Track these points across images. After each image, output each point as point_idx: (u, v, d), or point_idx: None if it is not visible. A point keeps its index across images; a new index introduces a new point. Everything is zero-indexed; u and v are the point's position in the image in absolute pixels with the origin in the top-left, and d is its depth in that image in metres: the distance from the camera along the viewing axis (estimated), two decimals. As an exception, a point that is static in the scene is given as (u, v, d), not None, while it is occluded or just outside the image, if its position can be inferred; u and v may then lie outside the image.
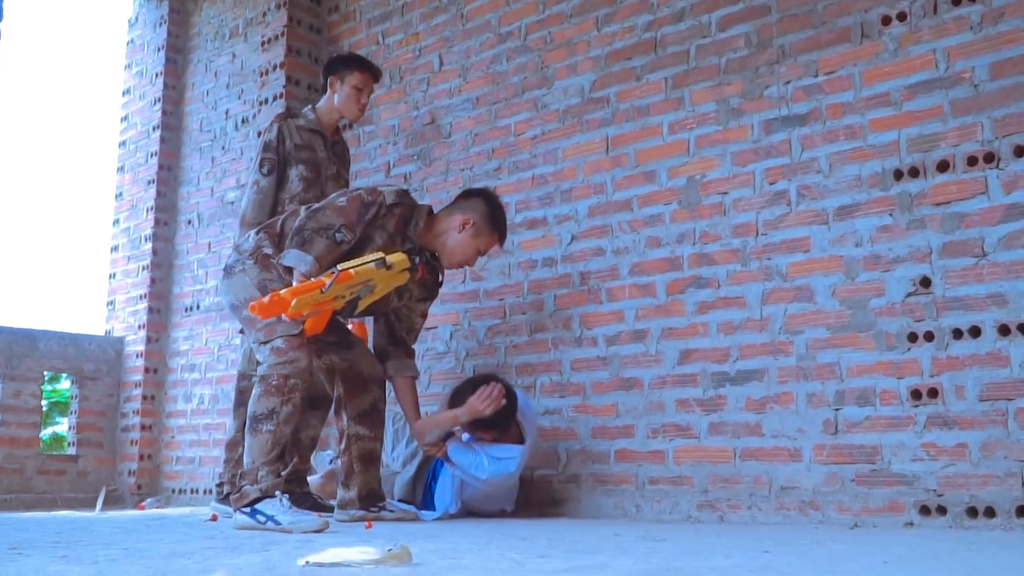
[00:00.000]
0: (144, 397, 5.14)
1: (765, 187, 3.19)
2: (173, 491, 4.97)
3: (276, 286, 2.94)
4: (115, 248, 5.56)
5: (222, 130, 5.20)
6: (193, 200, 5.28)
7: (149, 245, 5.30)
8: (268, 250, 3.07)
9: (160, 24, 5.59)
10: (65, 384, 7.08)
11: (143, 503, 4.65)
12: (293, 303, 2.71)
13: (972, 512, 2.63)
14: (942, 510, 2.68)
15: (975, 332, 2.71)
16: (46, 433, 7.68)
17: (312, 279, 2.85)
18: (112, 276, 5.53)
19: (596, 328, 3.54)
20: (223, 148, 5.16)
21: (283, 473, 2.89)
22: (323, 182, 3.69)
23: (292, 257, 2.95)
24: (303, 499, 3.29)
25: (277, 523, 2.65)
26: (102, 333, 5.44)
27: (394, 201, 3.13)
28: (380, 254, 2.96)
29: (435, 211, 3.32)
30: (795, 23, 3.21)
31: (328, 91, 3.73)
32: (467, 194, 3.38)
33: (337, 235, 2.99)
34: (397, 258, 2.99)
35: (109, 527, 2.79)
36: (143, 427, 5.10)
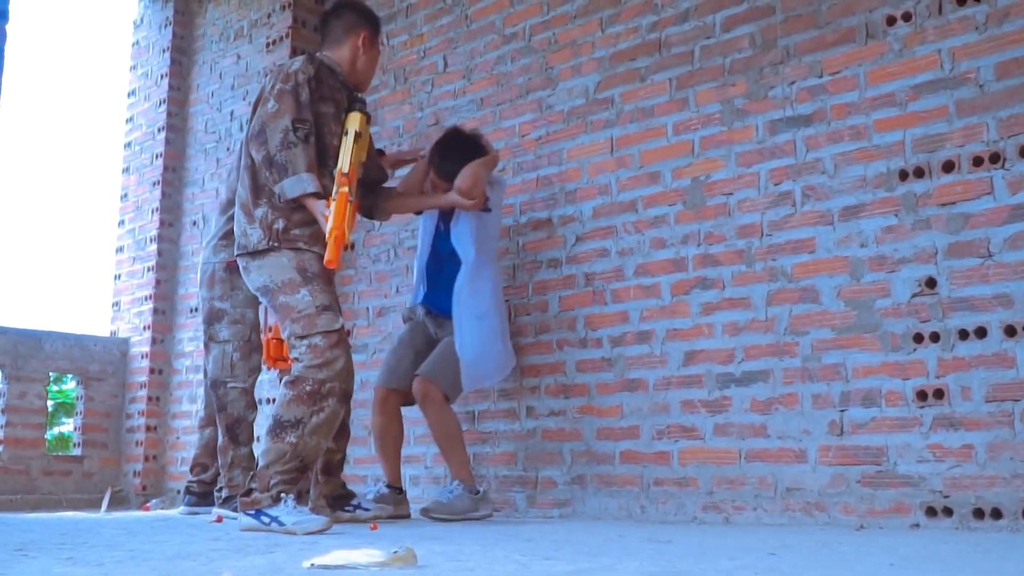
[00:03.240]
0: (149, 398, 5.15)
1: (770, 188, 3.18)
2: (178, 492, 4.97)
3: (313, 261, 2.85)
4: (120, 249, 5.57)
5: (227, 131, 5.20)
6: (198, 201, 5.29)
7: (154, 246, 5.31)
8: (279, 224, 2.88)
9: (165, 26, 5.60)
10: (71, 385, 7.09)
11: (148, 504, 4.66)
12: (346, 229, 2.70)
13: (978, 513, 2.62)
14: (948, 511, 2.67)
15: (981, 333, 2.70)
16: (52, 433, 7.70)
17: (332, 197, 2.77)
18: (117, 277, 5.54)
19: (601, 329, 3.54)
20: (228, 149, 5.17)
21: (299, 486, 2.85)
22: None
23: (290, 187, 2.82)
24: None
25: (281, 524, 2.62)
26: (107, 334, 5.45)
27: (313, 67, 2.99)
28: (351, 129, 2.93)
29: (323, 53, 3.16)
30: (799, 24, 3.21)
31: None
32: (336, 12, 3.21)
33: (298, 134, 2.85)
34: (357, 121, 2.97)
35: (114, 528, 2.79)
36: (148, 428, 5.11)
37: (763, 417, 3.08)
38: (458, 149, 3.47)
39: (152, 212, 5.38)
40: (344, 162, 2.83)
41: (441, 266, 3.56)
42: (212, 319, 3.61)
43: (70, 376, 5.94)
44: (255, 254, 2.90)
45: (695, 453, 3.22)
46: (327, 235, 2.71)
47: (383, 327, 4.29)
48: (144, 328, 5.26)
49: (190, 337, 5.14)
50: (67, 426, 7.63)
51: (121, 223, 5.61)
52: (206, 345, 3.65)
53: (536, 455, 3.64)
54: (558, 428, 3.60)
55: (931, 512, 2.70)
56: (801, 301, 3.07)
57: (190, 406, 5.06)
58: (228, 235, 3.52)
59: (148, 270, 5.32)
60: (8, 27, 3.80)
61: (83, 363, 5.13)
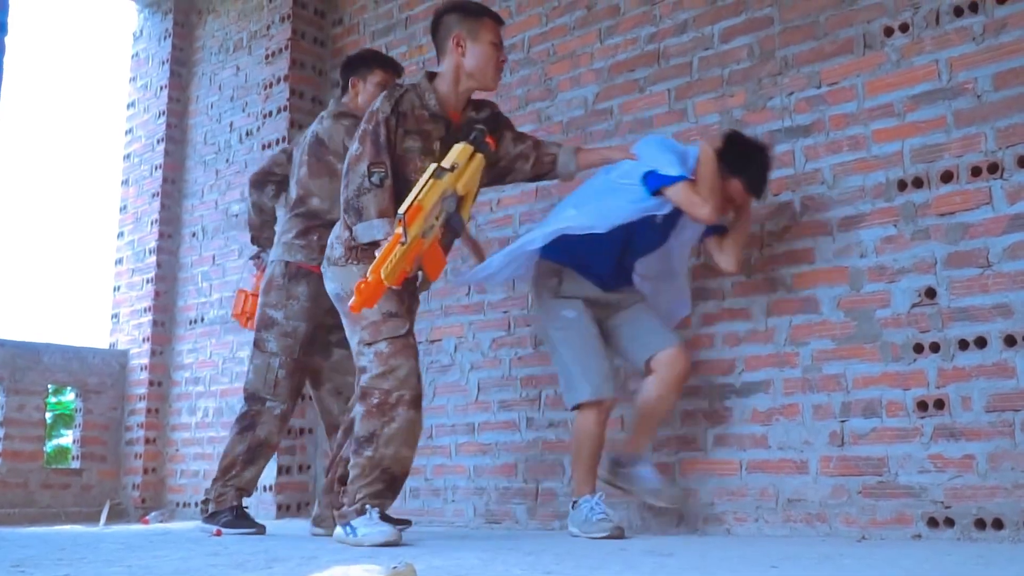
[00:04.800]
0: (148, 410, 5.14)
1: (769, 198, 3.18)
2: (177, 505, 4.96)
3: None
4: (119, 261, 5.57)
5: (226, 143, 5.21)
6: (197, 213, 5.29)
7: (153, 258, 5.31)
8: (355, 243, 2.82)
9: (164, 37, 5.61)
10: (70, 396, 7.08)
11: (147, 517, 4.64)
12: (384, 275, 2.53)
13: (980, 524, 2.61)
14: (950, 522, 2.67)
15: (981, 343, 2.70)
16: (51, 445, 7.68)
17: (388, 240, 2.65)
18: (116, 289, 5.54)
19: (600, 340, 3.53)
20: (227, 161, 5.17)
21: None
22: None
23: (362, 232, 2.76)
24: None
25: (355, 536, 2.62)
26: (106, 346, 5.44)
27: (391, 105, 2.85)
28: (433, 165, 2.69)
29: (433, 69, 2.99)
30: (797, 34, 3.21)
31: (351, 92, 3.51)
32: (435, 25, 2.99)
33: (373, 179, 2.77)
34: (456, 153, 2.75)
35: (113, 543, 2.78)
36: (147, 440, 5.10)
37: (764, 428, 3.07)
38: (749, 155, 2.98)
39: (151, 224, 5.39)
40: (406, 203, 2.61)
41: (621, 253, 3.08)
42: (262, 326, 3.39)
43: (69, 388, 5.93)
44: (333, 262, 2.90)
45: (696, 464, 3.21)
46: (363, 281, 2.59)
47: (382, 338, 4.28)
48: (143, 340, 5.25)
49: (189, 349, 5.14)
50: (66, 438, 7.62)
51: (120, 235, 5.61)
52: (252, 351, 3.43)
53: (536, 467, 3.63)
54: (558, 439, 3.59)
55: (932, 523, 2.70)
56: (801, 311, 3.06)
57: (189, 418, 5.05)
58: (302, 233, 3.39)
59: (147, 282, 5.32)
60: (7, 39, 3.81)
61: (82, 375, 5.13)
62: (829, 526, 2.88)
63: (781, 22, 3.26)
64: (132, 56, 5.86)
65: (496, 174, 3.06)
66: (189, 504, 4.90)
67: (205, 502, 3.39)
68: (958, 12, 2.88)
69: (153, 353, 5.20)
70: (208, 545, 2.70)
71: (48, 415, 6.03)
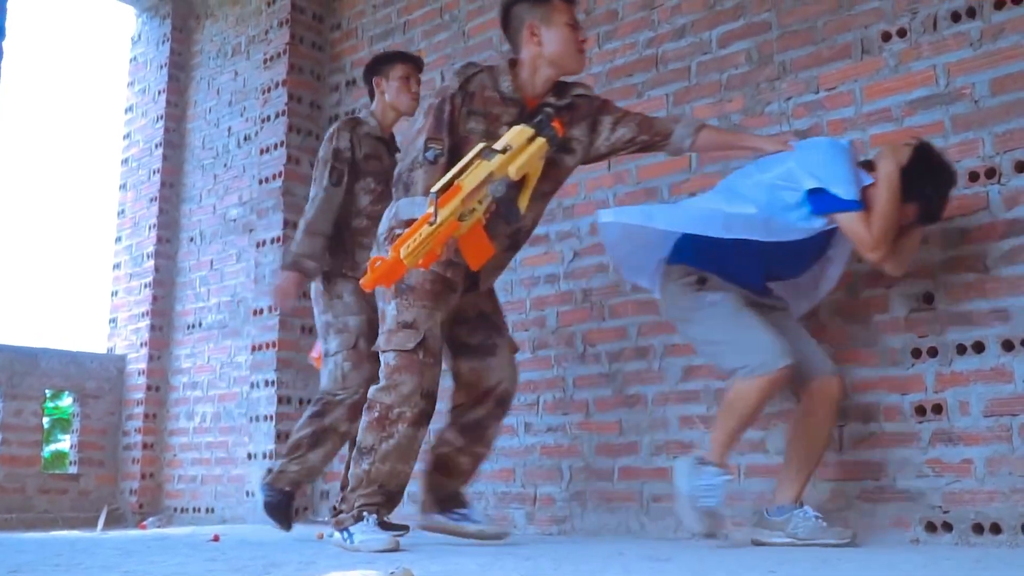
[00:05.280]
0: (146, 415, 5.13)
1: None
2: (175, 510, 4.95)
3: (415, 274, 2.58)
4: (117, 266, 5.57)
5: (224, 147, 5.21)
6: (195, 217, 5.29)
7: (151, 263, 5.31)
8: (395, 233, 2.62)
9: (163, 42, 5.62)
10: (67, 401, 7.07)
11: (145, 522, 4.63)
12: (404, 254, 2.33)
13: (978, 529, 2.61)
14: (948, 527, 2.67)
15: (979, 348, 2.70)
16: (48, 450, 7.68)
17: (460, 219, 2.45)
18: (114, 294, 5.54)
19: (599, 345, 3.53)
20: (225, 165, 5.18)
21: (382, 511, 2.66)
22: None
23: (404, 209, 2.64)
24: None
25: (352, 541, 2.57)
26: (104, 351, 5.44)
27: (460, 83, 2.71)
28: (480, 144, 2.49)
29: (514, 56, 2.80)
30: (795, 39, 3.22)
31: (376, 95, 3.46)
32: (504, 18, 2.82)
33: (427, 154, 2.64)
34: (511, 135, 2.52)
35: (110, 548, 2.77)
36: (145, 445, 5.09)
37: (762, 432, 3.07)
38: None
39: (149, 228, 5.39)
40: (441, 181, 2.42)
41: (771, 263, 2.74)
42: (321, 336, 3.36)
43: (67, 392, 5.92)
44: (378, 239, 2.82)
45: (694, 469, 3.21)
46: (378, 257, 2.43)
47: (380, 343, 4.28)
48: (141, 345, 5.25)
49: (187, 354, 5.13)
50: (63, 443, 7.61)
51: (118, 239, 5.61)
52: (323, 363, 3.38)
53: (534, 471, 3.63)
54: (556, 444, 3.59)
55: (931, 527, 2.69)
56: (799, 317, 3.06)
57: (187, 423, 5.04)
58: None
59: (145, 286, 5.32)
60: (5, 44, 3.81)
61: (79, 380, 5.12)
62: (827, 531, 2.87)
63: (779, 27, 3.26)
64: (130, 60, 5.87)
65: (594, 158, 2.89)
66: (187, 509, 4.90)
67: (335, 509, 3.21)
68: (956, 17, 2.88)
69: (151, 358, 5.20)
70: (206, 550, 2.70)
71: (46, 420, 6.02)
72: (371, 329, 3.21)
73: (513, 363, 2.98)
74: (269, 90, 4.84)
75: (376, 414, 2.64)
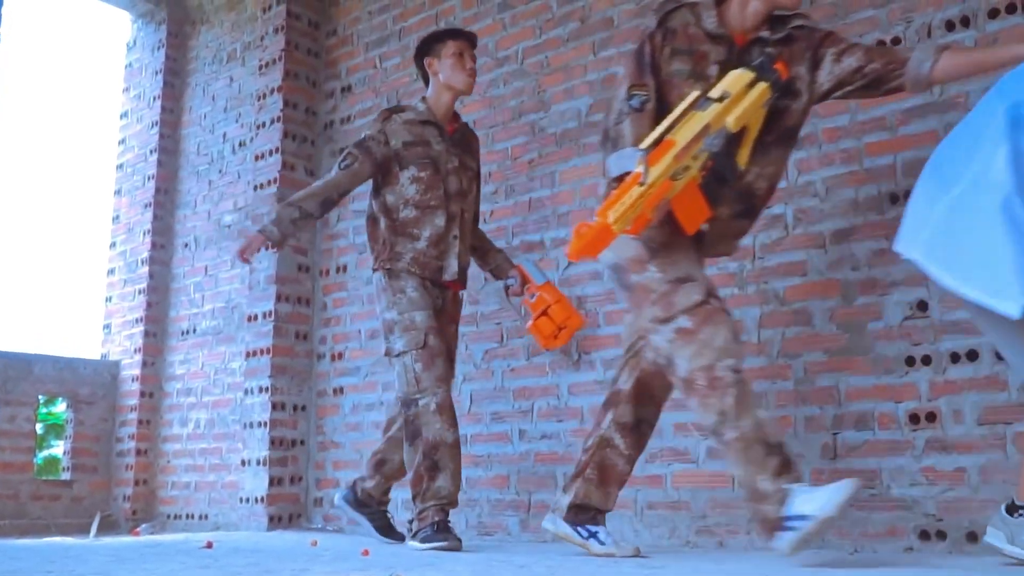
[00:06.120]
0: (139, 421, 5.12)
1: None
2: (168, 516, 4.94)
3: (656, 232, 2.32)
4: (111, 271, 5.56)
5: (219, 153, 5.21)
6: (190, 223, 5.28)
7: (145, 268, 5.30)
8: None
9: (158, 48, 5.62)
10: (61, 407, 7.05)
11: (138, 529, 4.62)
12: (612, 218, 2.10)
13: (972, 537, 2.61)
14: (942, 535, 2.67)
15: (972, 356, 2.71)
16: (41, 456, 7.65)
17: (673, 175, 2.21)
18: (108, 300, 5.53)
19: (594, 352, 3.53)
20: (220, 171, 5.17)
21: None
22: (444, 177, 3.24)
23: (613, 165, 2.39)
24: None
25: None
26: (98, 357, 5.43)
27: (658, 20, 2.48)
28: (694, 93, 2.26)
29: None
30: (790, 48, 3.22)
31: (430, 77, 3.32)
32: None
33: (632, 102, 2.40)
34: (729, 80, 2.27)
35: (103, 555, 2.76)
36: (138, 452, 5.08)
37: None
38: None
39: (144, 234, 5.38)
40: (651, 136, 2.19)
41: None
42: (385, 334, 3.19)
43: (60, 398, 5.90)
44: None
45: (688, 476, 3.21)
46: (584, 224, 2.16)
47: (375, 349, 4.28)
48: (135, 351, 5.24)
49: (181, 360, 5.12)
50: (57, 448, 7.59)
51: (112, 245, 5.60)
52: (389, 363, 3.27)
53: (529, 478, 3.63)
54: (551, 451, 3.59)
55: (924, 536, 2.70)
56: (793, 324, 3.07)
57: (181, 429, 5.03)
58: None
59: (139, 292, 5.31)
60: (1, 48, 3.80)
61: (73, 386, 5.11)
62: (822, 539, 2.88)
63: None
64: (125, 66, 5.87)
65: (819, 97, 2.52)
66: (180, 516, 4.88)
67: (411, 521, 3.10)
68: (950, 26, 2.89)
69: (145, 364, 5.19)
70: (199, 557, 2.69)
71: (39, 426, 6.00)
72: (433, 326, 3.13)
73: None
74: (264, 96, 4.84)
75: (701, 384, 2.29)
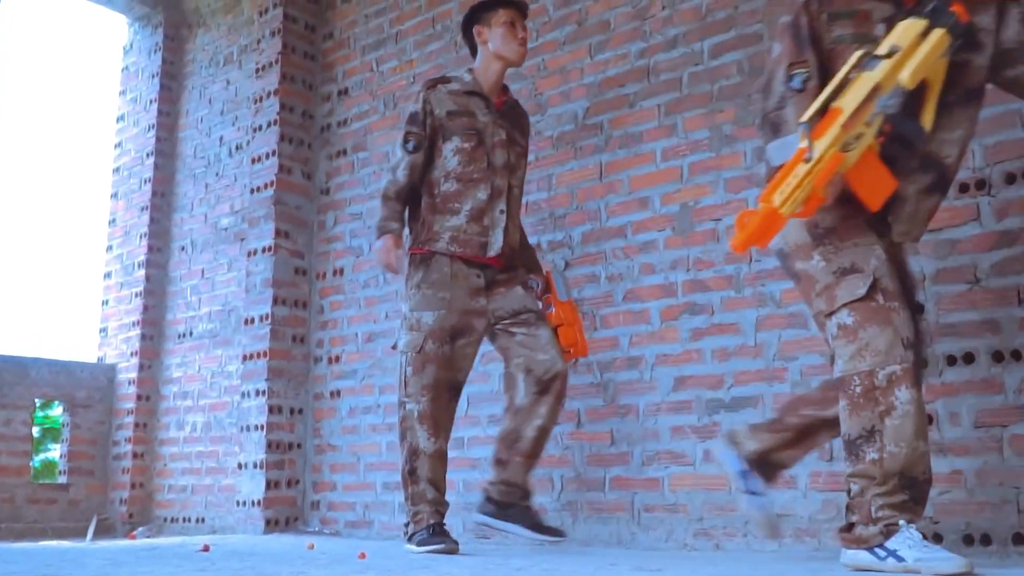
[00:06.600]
0: (136, 424, 5.11)
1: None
2: (165, 520, 4.93)
3: (826, 216, 2.13)
4: (108, 275, 5.55)
5: (216, 156, 5.21)
6: (186, 227, 5.28)
7: (142, 272, 5.30)
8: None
9: (154, 51, 5.62)
10: (58, 411, 7.04)
11: (134, 532, 4.61)
12: (778, 201, 1.92)
13: (968, 540, 2.61)
14: (938, 538, 2.67)
15: (969, 359, 2.71)
16: (38, 459, 7.64)
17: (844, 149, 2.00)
18: (105, 303, 5.52)
19: (590, 355, 3.53)
20: (217, 174, 5.17)
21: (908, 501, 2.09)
22: (489, 150, 3.10)
23: (774, 153, 2.18)
24: None
25: (899, 560, 2.02)
26: (94, 360, 5.42)
27: None
28: (858, 52, 2.03)
29: None
30: (786, 51, 3.23)
31: (479, 47, 3.19)
32: None
33: (793, 82, 2.16)
34: (897, 32, 2.02)
35: (100, 559, 2.76)
36: (135, 455, 5.07)
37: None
38: None
39: (140, 237, 5.38)
40: (814, 106, 2.00)
41: None
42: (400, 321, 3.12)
43: (57, 402, 5.90)
44: None
45: (685, 479, 3.21)
46: (747, 212, 2.00)
47: (372, 352, 4.28)
48: (131, 354, 5.23)
49: (178, 363, 5.12)
50: (54, 452, 7.58)
51: (109, 248, 5.60)
52: None
53: (526, 481, 3.62)
54: (547, 454, 3.57)
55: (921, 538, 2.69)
56: (790, 326, 3.07)
57: (177, 432, 5.02)
58: (413, 218, 3.15)
59: (136, 295, 5.30)
60: (-3, 53, 3.80)
61: (70, 389, 5.10)
62: (819, 541, 2.88)
63: (770, 38, 3.28)
64: (122, 69, 5.87)
65: (1002, 64, 2.18)
66: (176, 519, 4.87)
67: (406, 524, 3.07)
68: (945, 30, 2.89)
69: (141, 367, 5.18)
70: (196, 561, 2.69)
71: (35, 429, 5.99)
72: (449, 334, 3.03)
73: None
74: (261, 99, 4.84)
75: (857, 390, 2.08)
